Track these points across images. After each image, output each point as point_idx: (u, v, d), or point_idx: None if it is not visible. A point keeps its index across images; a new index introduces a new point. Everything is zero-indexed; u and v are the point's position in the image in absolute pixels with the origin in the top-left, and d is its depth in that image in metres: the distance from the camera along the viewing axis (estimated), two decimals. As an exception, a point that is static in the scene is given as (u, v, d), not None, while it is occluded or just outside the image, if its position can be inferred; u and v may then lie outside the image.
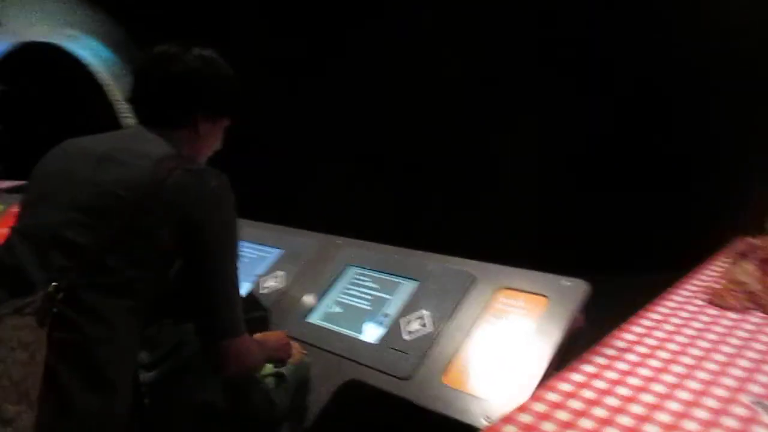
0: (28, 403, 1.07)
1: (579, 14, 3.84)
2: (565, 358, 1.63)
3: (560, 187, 4.04)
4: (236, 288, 1.38)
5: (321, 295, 2.15)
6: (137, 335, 1.30)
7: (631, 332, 1.68)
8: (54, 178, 1.35)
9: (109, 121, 6.26)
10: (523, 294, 1.75)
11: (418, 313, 1.87)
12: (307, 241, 2.44)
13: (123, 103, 6.91)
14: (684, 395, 1.35)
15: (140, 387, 1.39)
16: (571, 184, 4.03)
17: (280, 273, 2.35)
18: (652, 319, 1.75)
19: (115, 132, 1.48)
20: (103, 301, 1.22)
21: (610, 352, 1.57)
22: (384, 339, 1.85)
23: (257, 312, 2.24)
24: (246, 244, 2.64)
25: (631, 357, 1.54)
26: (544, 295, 1.71)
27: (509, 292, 1.78)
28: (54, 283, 1.18)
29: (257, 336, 1.69)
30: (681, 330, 1.65)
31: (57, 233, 1.24)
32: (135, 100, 1.48)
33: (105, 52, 6.58)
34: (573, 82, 3.92)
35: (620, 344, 1.61)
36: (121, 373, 1.25)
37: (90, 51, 6.53)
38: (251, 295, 2.34)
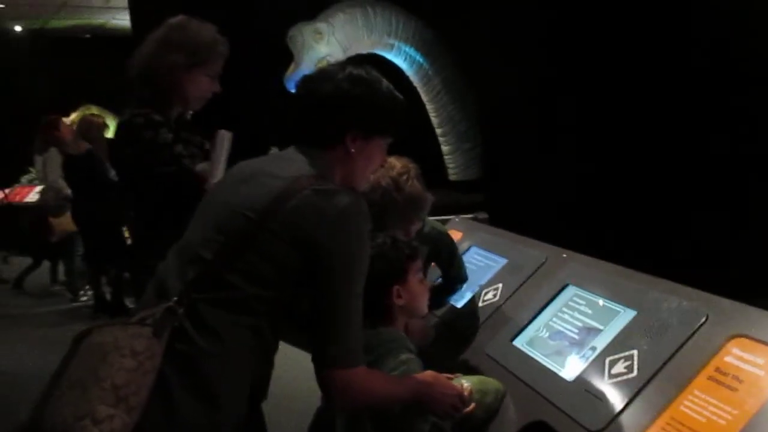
0: (126, 408, 1.14)
1: None
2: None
3: None
4: (354, 316, 1.30)
5: (533, 316, 1.94)
6: (257, 355, 1.30)
7: None
8: (209, 200, 1.45)
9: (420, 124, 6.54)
10: (764, 347, 1.31)
11: (627, 353, 1.55)
12: (533, 252, 2.23)
13: (430, 105, 7.28)
14: None
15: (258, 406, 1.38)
16: None
17: (499, 285, 2.20)
18: None
19: (274, 153, 1.52)
20: (219, 316, 1.25)
21: None
22: (582, 378, 1.59)
23: (467, 323, 2.14)
24: (476, 250, 2.55)
25: None
26: (792, 353, 1.25)
27: (746, 342, 1.35)
28: (175, 298, 1.25)
29: (429, 377, 1.54)
30: None
31: (194, 250, 1.32)
32: (288, 120, 1.49)
33: (418, 57, 6.98)
34: None
35: None
36: (231, 389, 1.26)
37: (404, 58, 6.96)
38: (468, 306, 2.24)
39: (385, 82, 1.50)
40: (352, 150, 1.42)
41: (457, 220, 3.01)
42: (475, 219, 3.42)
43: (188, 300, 1.25)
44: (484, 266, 2.41)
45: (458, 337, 2.11)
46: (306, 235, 1.26)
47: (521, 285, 2.13)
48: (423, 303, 1.76)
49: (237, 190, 1.36)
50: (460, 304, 2.28)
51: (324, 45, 5.75)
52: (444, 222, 3.22)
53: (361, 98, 1.41)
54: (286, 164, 1.39)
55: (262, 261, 1.27)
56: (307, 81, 1.47)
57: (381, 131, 1.48)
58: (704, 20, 3.64)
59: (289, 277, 1.28)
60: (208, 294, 1.26)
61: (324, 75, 1.45)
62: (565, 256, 2.10)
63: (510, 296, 2.11)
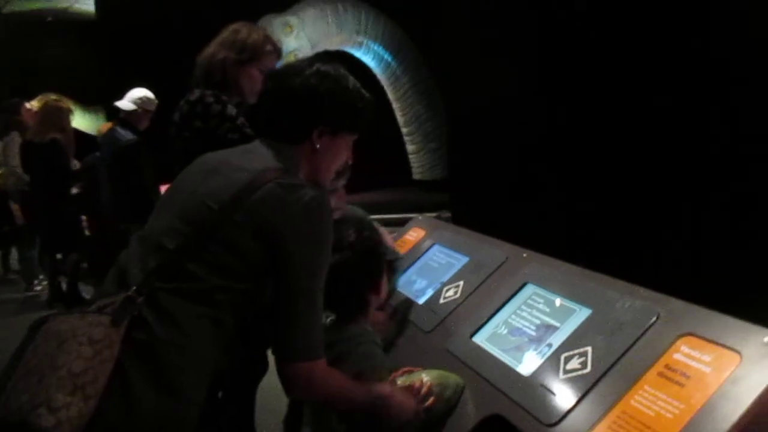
0: (83, 396, 1.13)
1: None
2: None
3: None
4: (316, 309, 1.32)
5: (492, 313, 1.98)
6: (218, 346, 1.29)
7: None
8: (174, 189, 1.45)
9: (381, 123, 6.63)
10: (712, 346, 1.37)
11: (581, 350, 1.59)
12: (494, 251, 2.27)
13: (397, 104, 7.29)
14: None
15: (217, 398, 1.39)
16: None
17: (460, 283, 2.23)
18: None
19: (239, 147, 1.52)
20: (180, 306, 1.25)
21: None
22: (538, 374, 1.63)
23: (428, 318, 2.17)
24: (439, 248, 2.58)
25: None
26: (737, 351, 1.31)
27: (695, 340, 1.41)
28: (134, 287, 1.24)
29: (387, 390, 1.58)
30: None
31: (157, 239, 1.32)
32: (256, 114, 1.52)
33: (386, 56, 7.00)
34: None
35: None
36: (191, 379, 1.26)
37: (372, 56, 6.98)
38: (429, 302, 2.27)
39: (352, 79, 1.52)
40: (318, 146, 1.44)
41: (420, 218, 3.04)
42: (438, 218, 3.46)
43: (148, 289, 1.24)
44: (446, 264, 2.44)
45: (419, 332, 2.14)
46: (269, 228, 1.27)
47: (482, 283, 2.16)
48: (385, 296, 1.83)
49: (203, 180, 1.37)
50: (421, 300, 2.31)
51: (293, 39, 5.72)
52: (406, 220, 3.25)
53: (328, 94, 1.43)
54: (253, 157, 1.40)
55: (225, 252, 1.27)
56: (275, 76, 1.49)
57: (348, 128, 1.50)
58: (665, 30, 3.75)
59: (251, 269, 1.29)
60: (169, 284, 1.26)
61: (292, 70, 1.46)
62: (525, 255, 2.14)
63: (471, 294, 2.15)
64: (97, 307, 1.23)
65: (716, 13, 3.59)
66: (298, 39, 5.55)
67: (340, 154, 1.53)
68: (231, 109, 2.22)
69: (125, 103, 4.80)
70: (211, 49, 2.35)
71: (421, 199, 5.70)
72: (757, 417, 1.21)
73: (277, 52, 2.41)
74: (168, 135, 2.35)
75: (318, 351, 1.33)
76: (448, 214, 3.96)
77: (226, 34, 2.37)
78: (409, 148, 7.57)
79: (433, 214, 3.74)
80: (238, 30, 2.35)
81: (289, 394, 1.38)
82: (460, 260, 2.39)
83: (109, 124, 5.37)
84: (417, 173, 7.51)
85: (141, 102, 4.81)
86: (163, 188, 5.04)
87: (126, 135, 4.73)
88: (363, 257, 1.76)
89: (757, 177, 3.41)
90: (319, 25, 5.84)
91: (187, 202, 1.36)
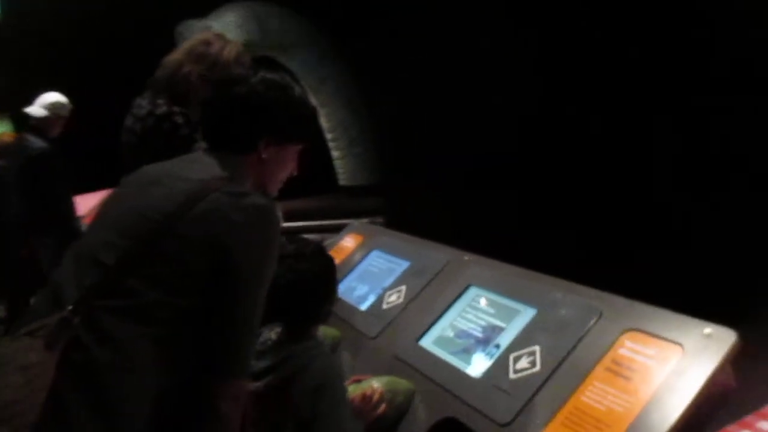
0: (11, 427, 1.04)
1: None
2: (702, 428, 1.30)
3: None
4: (254, 327, 1.25)
5: (438, 316, 1.99)
6: (162, 367, 1.19)
7: (804, 401, 1.29)
8: (111, 202, 1.37)
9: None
10: (654, 339, 1.43)
11: (529, 349, 1.63)
12: (435, 255, 2.29)
13: (322, 110, 7.23)
14: None
15: (164, 419, 1.29)
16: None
17: (402, 287, 2.24)
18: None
19: (182, 157, 1.45)
20: (119, 325, 1.16)
21: (766, 425, 1.22)
22: (488, 375, 1.65)
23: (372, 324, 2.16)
24: (378, 253, 2.58)
25: (795, 437, 1.17)
26: (678, 344, 1.38)
27: (638, 335, 1.47)
28: (69, 307, 1.15)
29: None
30: None
31: (93, 255, 1.23)
32: (202, 123, 1.46)
33: (311, 61, 6.94)
34: None
35: (783, 417, 1.24)
36: (132, 402, 1.16)
37: (297, 61, 6.88)
38: (372, 308, 2.26)
39: (297, 88, 1.49)
40: (265, 156, 1.40)
41: (356, 224, 3.03)
42: (372, 223, 3.46)
43: (85, 308, 1.15)
44: (386, 269, 2.44)
45: (364, 338, 2.13)
46: (214, 240, 1.21)
47: (425, 287, 2.18)
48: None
49: (143, 193, 1.30)
50: (364, 307, 2.30)
51: (214, 44, 5.60)
52: (338, 226, 3.23)
53: (275, 103, 1.40)
54: (196, 167, 1.34)
55: (168, 267, 1.20)
56: (219, 84, 1.44)
57: (294, 137, 1.46)
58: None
59: (196, 284, 1.21)
60: (108, 301, 1.17)
61: (237, 78, 1.42)
62: (466, 258, 2.18)
63: (414, 298, 2.15)
64: (29, 330, 1.13)
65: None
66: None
67: (286, 165, 1.48)
68: (200, 136, 2.06)
69: (36, 108, 4.53)
70: (179, 57, 2.19)
71: (348, 205, 5.68)
72: (702, 405, 1.27)
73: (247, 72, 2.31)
74: (119, 141, 2.17)
75: (248, 368, 1.26)
76: (380, 220, 3.97)
77: (197, 43, 2.21)
78: (334, 154, 7.54)
79: (366, 220, 3.75)
80: (210, 43, 2.19)
81: (216, 413, 1.21)
82: (400, 265, 2.39)
83: (11, 134, 5.02)
84: (342, 179, 7.49)
85: (53, 107, 4.55)
86: (81, 199, 4.77)
87: (37, 142, 4.46)
88: (320, 268, 1.72)
89: (692, 172, 3.60)
90: (242, 30, 5.73)
91: (125, 214, 1.28)
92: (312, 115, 1.52)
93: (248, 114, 1.38)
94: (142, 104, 2.14)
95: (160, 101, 2.09)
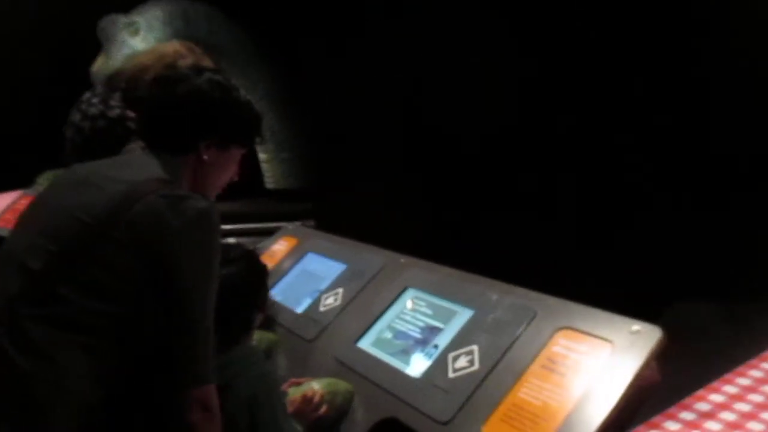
0: None
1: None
2: (631, 419, 1.38)
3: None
4: (209, 332, 1.21)
5: (375, 318, 2.01)
6: (92, 377, 1.14)
7: (720, 392, 1.39)
8: (36, 204, 1.30)
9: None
10: (586, 336, 1.51)
11: (468, 348, 1.68)
12: (372, 257, 2.32)
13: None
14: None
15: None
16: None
17: (339, 290, 2.25)
18: (751, 377, 1.44)
19: (116, 157, 1.41)
20: (47, 335, 1.10)
21: (688, 416, 1.31)
22: (428, 374, 1.69)
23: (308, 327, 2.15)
24: (313, 256, 2.57)
25: (714, 426, 1.26)
26: (609, 341, 1.46)
27: (571, 333, 1.54)
28: None
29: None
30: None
31: (19, 259, 1.16)
32: (140, 122, 1.42)
33: (239, 63, 6.81)
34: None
35: (703, 407, 1.34)
36: (63, 416, 1.11)
37: (225, 64, 6.74)
38: (308, 311, 2.25)
39: (242, 91, 1.46)
40: (206, 158, 1.36)
41: (289, 227, 3.01)
42: (304, 226, 3.44)
43: (10, 317, 1.09)
44: (322, 272, 2.44)
45: (301, 341, 2.12)
46: (151, 245, 1.16)
47: (362, 289, 2.19)
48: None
49: (73, 193, 1.24)
50: (300, 309, 2.29)
51: (139, 40, 5.39)
52: (268, 230, 3.20)
53: (220, 104, 1.36)
54: (130, 168, 1.29)
55: (101, 272, 1.14)
56: (160, 81, 1.39)
57: (238, 141, 1.43)
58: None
59: (132, 290, 1.16)
60: (35, 310, 1.11)
61: (179, 76, 1.37)
62: (403, 261, 2.21)
63: (351, 300, 2.17)
64: None
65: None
66: (144, 41, 5.23)
67: (228, 169, 1.44)
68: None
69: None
70: (147, 60, 2.10)
71: (276, 208, 5.63)
72: (630, 397, 1.35)
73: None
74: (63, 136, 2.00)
75: (212, 373, 1.21)
76: (311, 223, 3.95)
77: (170, 51, 2.13)
78: (261, 156, 7.44)
79: (299, 223, 3.72)
80: (183, 56, 2.10)
81: (188, 422, 1.17)
82: (336, 268, 2.40)
83: None
84: (269, 182, 7.41)
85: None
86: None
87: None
88: (248, 273, 1.69)
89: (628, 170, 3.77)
90: (168, 27, 5.57)
91: (53, 216, 1.21)
92: (257, 120, 1.47)
93: (190, 113, 1.33)
94: (93, 101, 2.00)
95: (113, 102, 1.98)
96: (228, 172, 1.45)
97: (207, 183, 1.40)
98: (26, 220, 1.29)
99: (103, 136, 1.90)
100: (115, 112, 1.93)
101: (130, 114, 1.93)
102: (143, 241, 1.16)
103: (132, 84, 2.01)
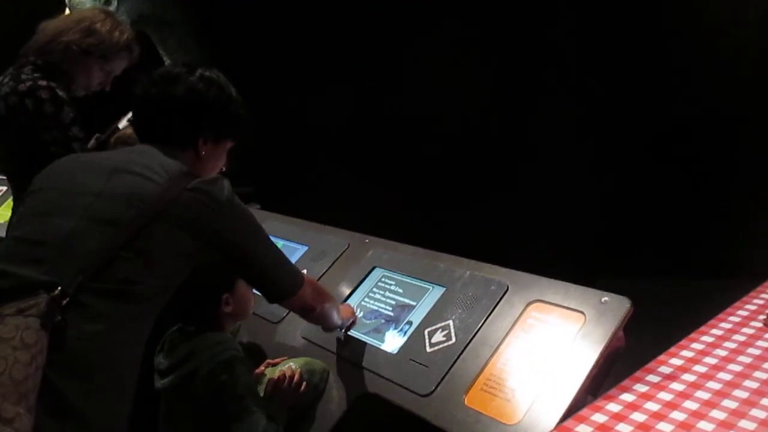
0: (27, 406, 1.02)
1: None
2: (601, 384, 1.47)
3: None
4: (280, 257, 1.48)
5: (345, 298, 2.04)
6: (142, 342, 1.29)
7: (678, 356, 1.51)
8: (63, 190, 1.33)
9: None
10: (558, 309, 1.59)
11: (443, 324, 1.73)
12: (334, 238, 2.33)
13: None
14: (737, 438, 1.18)
15: (149, 394, 1.37)
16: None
17: (304, 271, 2.24)
18: (704, 342, 1.56)
19: (123, 149, 1.49)
20: (107, 306, 1.20)
21: (654, 378, 1.41)
22: (405, 350, 1.73)
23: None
24: (273, 239, 2.55)
25: (677, 386, 1.37)
26: (580, 312, 1.54)
27: (543, 305, 1.62)
28: (59, 288, 1.14)
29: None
30: (736, 357, 1.46)
31: (68, 240, 1.22)
32: (137, 120, 1.49)
33: (186, 43, 6.59)
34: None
35: (665, 370, 1.44)
36: (123, 378, 1.24)
37: (174, 42, 6.51)
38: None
39: (233, 86, 1.55)
40: (203, 152, 1.48)
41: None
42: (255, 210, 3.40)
43: (72, 291, 1.16)
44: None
45: (267, 324, 2.12)
46: (205, 225, 1.30)
47: (327, 270, 2.21)
48: (250, 306, 1.80)
49: (111, 179, 1.31)
50: (263, 292, 2.28)
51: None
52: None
53: (215, 101, 1.47)
54: (160, 159, 1.38)
55: (154, 251, 1.25)
56: (157, 81, 1.46)
57: (231, 135, 1.55)
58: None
59: (183, 266, 1.31)
60: (95, 284, 1.19)
61: (175, 76, 1.45)
62: (367, 241, 2.24)
63: (317, 280, 2.17)
64: (17, 310, 1.09)
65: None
66: (118, 13, 5.04)
67: (220, 161, 1.56)
68: (66, 115, 1.97)
69: None
70: (61, 24, 2.10)
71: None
72: (601, 363, 1.44)
73: (132, 60, 2.20)
74: None
75: (299, 278, 1.51)
76: (257, 206, 3.90)
77: (87, 15, 2.14)
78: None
79: (256, 206, 3.67)
80: (101, 21, 2.11)
81: (310, 318, 1.65)
82: (298, 249, 2.40)
83: None
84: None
85: None
86: None
87: None
88: (215, 263, 1.68)
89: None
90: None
91: (96, 201, 1.27)
92: (246, 114, 1.57)
93: (190, 113, 1.44)
94: (4, 81, 2.03)
95: (24, 76, 1.99)
96: (219, 163, 1.58)
97: (201, 174, 1.48)
98: (57, 204, 1.31)
99: (16, 112, 1.94)
100: (23, 86, 1.95)
101: (41, 83, 1.96)
102: (195, 223, 1.29)
103: (46, 49, 2.05)
